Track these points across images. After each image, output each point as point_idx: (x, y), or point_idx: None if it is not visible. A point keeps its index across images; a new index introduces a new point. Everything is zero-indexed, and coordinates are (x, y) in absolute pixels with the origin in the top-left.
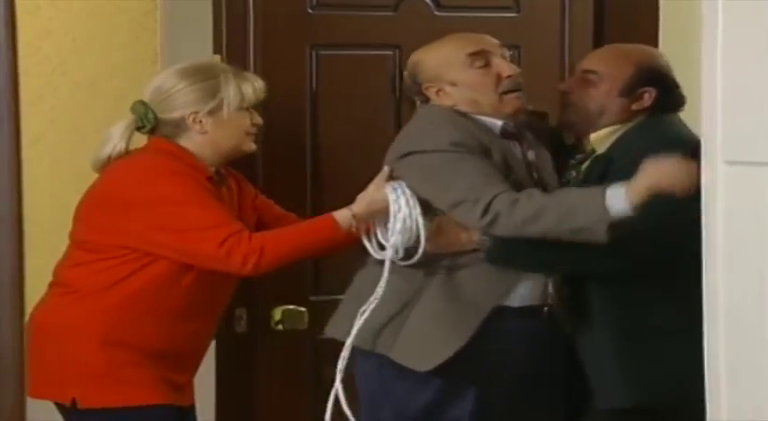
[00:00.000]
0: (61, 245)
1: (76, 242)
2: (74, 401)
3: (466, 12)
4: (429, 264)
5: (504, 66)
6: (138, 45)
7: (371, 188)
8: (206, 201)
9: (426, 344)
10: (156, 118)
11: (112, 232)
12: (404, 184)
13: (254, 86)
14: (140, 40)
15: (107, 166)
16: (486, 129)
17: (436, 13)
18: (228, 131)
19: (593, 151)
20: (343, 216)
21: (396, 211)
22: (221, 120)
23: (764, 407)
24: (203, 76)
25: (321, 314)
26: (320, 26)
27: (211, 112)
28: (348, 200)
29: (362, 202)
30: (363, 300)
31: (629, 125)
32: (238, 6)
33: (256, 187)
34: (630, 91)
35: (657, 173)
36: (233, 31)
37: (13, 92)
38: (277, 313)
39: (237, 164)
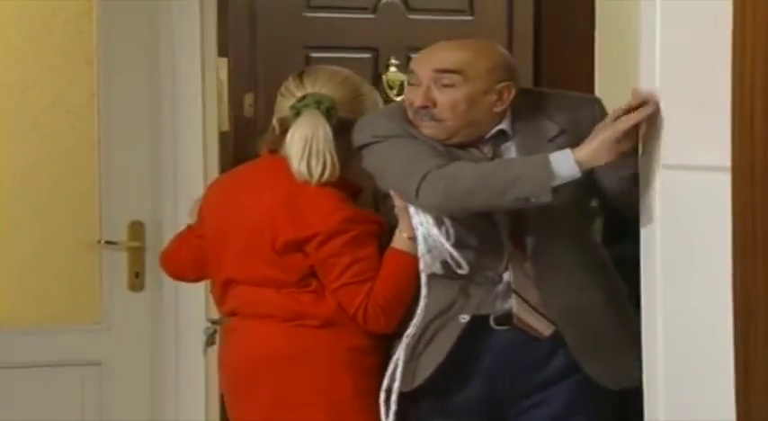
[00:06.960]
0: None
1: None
2: None
3: (431, 15)
4: None
5: (416, 94)
6: (74, 47)
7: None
8: None
9: None
10: (339, 120)
11: None
12: None
13: None
14: (75, 42)
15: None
16: None
17: (408, 16)
18: None
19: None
20: (401, 242)
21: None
22: None
23: (700, 407)
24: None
25: None
26: (313, 28)
27: None
28: None
29: (406, 225)
30: None
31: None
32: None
33: None
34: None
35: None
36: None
37: None
38: None
39: (227, 163)
